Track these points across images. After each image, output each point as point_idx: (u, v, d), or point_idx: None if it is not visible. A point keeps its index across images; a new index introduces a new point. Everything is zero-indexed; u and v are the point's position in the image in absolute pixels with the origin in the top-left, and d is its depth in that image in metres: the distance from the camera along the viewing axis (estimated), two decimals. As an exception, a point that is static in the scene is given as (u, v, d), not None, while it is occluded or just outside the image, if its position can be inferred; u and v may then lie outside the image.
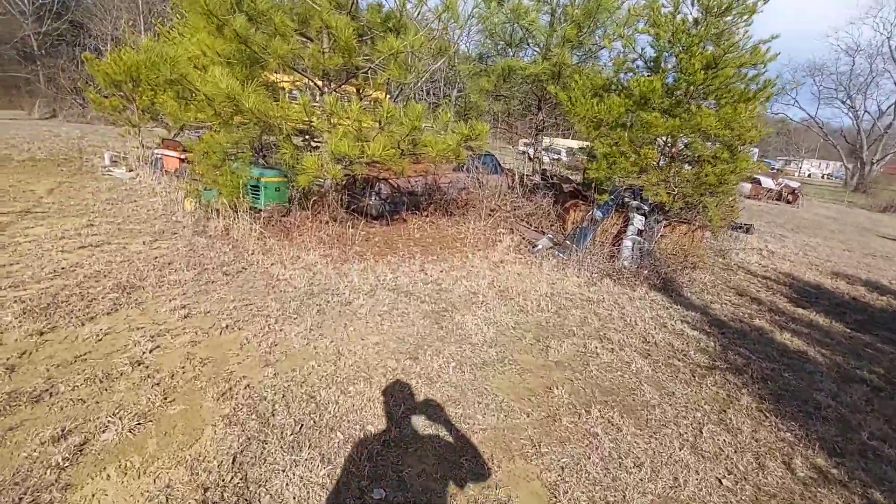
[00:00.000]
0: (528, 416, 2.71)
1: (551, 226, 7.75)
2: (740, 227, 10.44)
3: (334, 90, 6.04)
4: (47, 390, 2.35)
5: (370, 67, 5.92)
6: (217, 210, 5.95)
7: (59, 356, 2.69)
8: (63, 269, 3.97)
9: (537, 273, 5.51)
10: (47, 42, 25.07)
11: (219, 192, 5.59)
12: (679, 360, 3.77)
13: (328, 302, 3.90)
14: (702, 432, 2.83)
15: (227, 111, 4.92)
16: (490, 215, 7.59)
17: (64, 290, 3.51)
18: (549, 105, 8.95)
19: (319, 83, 5.99)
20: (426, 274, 4.90)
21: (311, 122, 5.14)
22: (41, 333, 2.91)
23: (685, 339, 4.23)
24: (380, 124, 5.01)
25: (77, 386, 2.42)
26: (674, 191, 6.31)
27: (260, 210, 6.03)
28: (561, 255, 6.17)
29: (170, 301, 3.58)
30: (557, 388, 3.06)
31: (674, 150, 6.90)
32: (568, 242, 6.44)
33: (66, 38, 25.81)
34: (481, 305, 4.31)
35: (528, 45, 8.67)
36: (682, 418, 2.94)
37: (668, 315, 4.78)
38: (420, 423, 2.51)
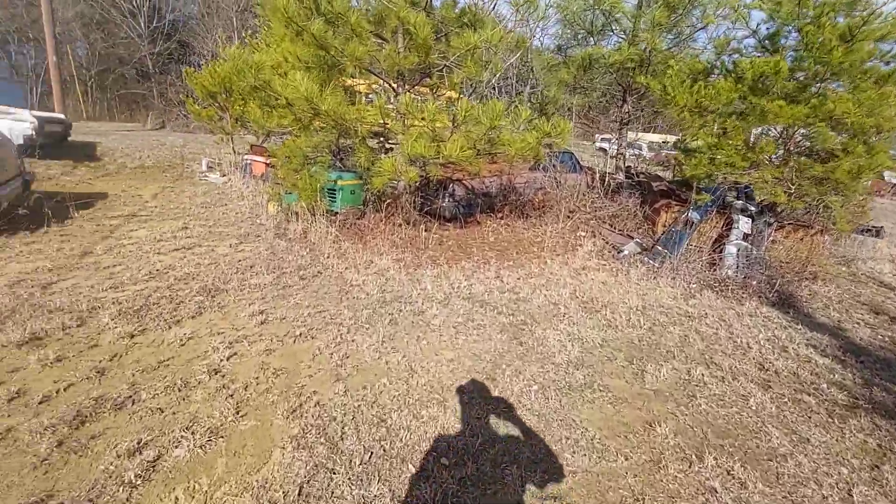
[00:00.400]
0: (626, 460, 2.32)
1: (638, 228, 7.07)
2: (868, 231, 8.91)
3: (408, 91, 5.93)
4: (130, 397, 2.39)
5: (445, 66, 5.72)
6: (296, 213, 6.10)
7: (144, 360, 2.76)
8: (157, 270, 4.20)
9: (625, 282, 4.98)
10: (160, 61, 28.07)
11: (298, 195, 5.71)
12: (809, 396, 3.13)
13: (401, 311, 3.74)
14: (851, 495, 2.25)
15: (306, 115, 4.97)
16: (569, 217, 7.09)
17: (156, 293, 3.68)
18: (635, 96, 8.21)
19: (394, 84, 5.91)
20: (502, 281, 4.59)
21: (386, 123, 5.04)
22: (132, 336, 3.02)
23: (814, 369, 3.53)
24: (454, 124, 4.79)
25: (157, 394, 2.44)
26: (792, 189, 5.42)
27: (336, 213, 6.08)
28: (651, 261, 5.55)
29: (249, 305, 3.61)
30: (660, 425, 2.61)
31: (790, 142, 5.95)
32: (659, 247, 5.79)
33: (174, 56, 28.74)
34: (563, 318, 3.92)
35: (611, 31, 8.00)
36: (824, 475, 2.37)
37: (788, 337, 4.06)
38: (499, 458, 2.23)
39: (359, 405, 2.51)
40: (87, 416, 2.21)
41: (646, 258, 5.65)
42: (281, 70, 5.43)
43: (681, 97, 5.24)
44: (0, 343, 2.79)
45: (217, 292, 3.82)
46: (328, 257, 4.92)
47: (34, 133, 8.12)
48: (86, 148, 10.36)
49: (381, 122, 5.07)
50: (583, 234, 6.61)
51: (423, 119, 4.76)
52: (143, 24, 26.65)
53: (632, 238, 6.39)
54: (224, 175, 10.14)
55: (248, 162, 10.00)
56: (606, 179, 8.05)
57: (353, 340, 3.22)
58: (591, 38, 7.13)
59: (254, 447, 2.12)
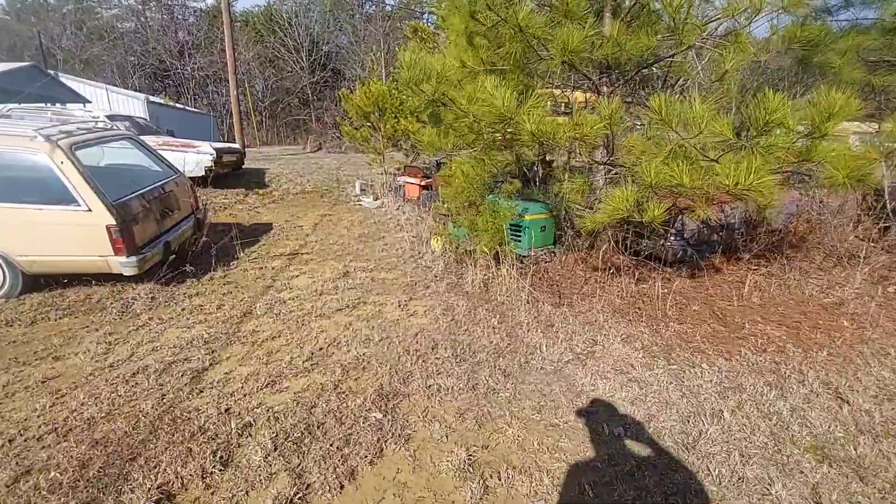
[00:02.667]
0: None
1: None
2: None
3: (615, 92, 4.28)
4: None
5: (676, 53, 3.94)
6: (468, 252, 4.87)
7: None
8: (321, 350, 3.22)
9: None
10: (317, 89, 30.74)
11: (478, 237, 4.44)
12: None
13: (701, 470, 2.10)
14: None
15: (496, 134, 3.68)
16: (855, 260, 4.68)
17: (320, 399, 2.62)
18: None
19: (604, 85, 4.31)
20: (841, 398, 2.64)
21: (613, 137, 3.47)
22: (290, 502, 1.92)
23: None
24: (739, 134, 2.99)
25: None
26: None
27: (523, 257, 4.69)
28: None
29: (446, 438, 2.33)
30: None
31: None
32: None
33: (329, 83, 31.25)
34: None
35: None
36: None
37: None
38: None
39: None
40: None
41: None
42: (455, 78, 4.25)
43: None
44: None
45: (398, 400, 2.64)
46: (528, 330, 3.51)
47: (213, 164, 8.40)
48: (256, 175, 10.80)
49: (606, 134, 3.51)
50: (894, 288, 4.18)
51: (675, 128, 3.07)
52: (304, 58, 29.40)
53: None
54: (377, 198, 9.63)
55: (401, 184, 9.31)
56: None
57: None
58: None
59: None
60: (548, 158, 4.70)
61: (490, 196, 4.51)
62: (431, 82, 3.80)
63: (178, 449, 2.22)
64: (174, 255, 4.77)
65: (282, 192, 9.72)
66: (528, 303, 3.94)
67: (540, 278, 4.42)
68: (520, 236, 4.70)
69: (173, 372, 2.92)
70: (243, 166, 10.64)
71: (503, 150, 4.15)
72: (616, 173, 3.96)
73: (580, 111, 3.20)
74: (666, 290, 4.02)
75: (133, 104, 18.05)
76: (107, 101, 18.22)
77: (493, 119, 3.45)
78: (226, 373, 2.92)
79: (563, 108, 4.45)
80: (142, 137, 5.98)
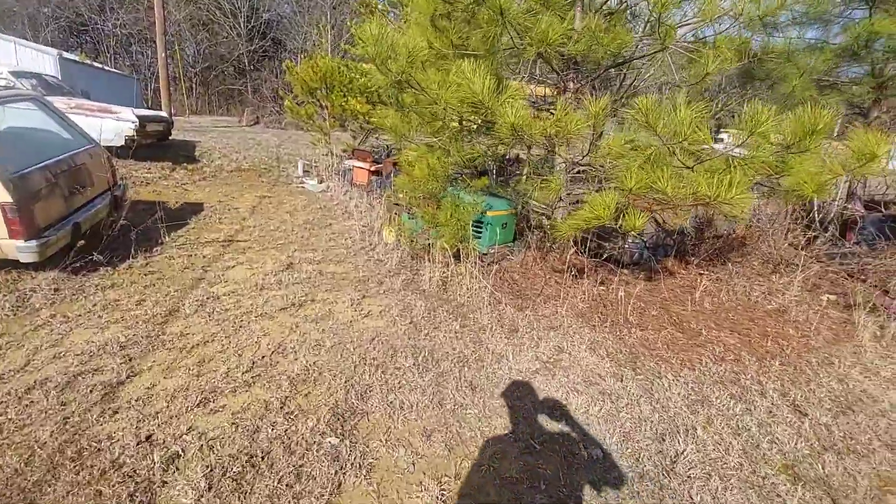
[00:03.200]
0: None
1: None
2: None
3: (581, 90, 4.16)
4: None
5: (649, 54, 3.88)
6: (426, 249, 4.59)
7: None
8: (263, 358, 2.81)
9: None
10: (254, 58, 28.55)
11: (436, 231, 4.17)
12: None
13: (685, 499, 2.01)
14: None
15: (469, 125, 3.41)
16: (785, 266, 4.98)
17: (264, 421, 2.25)
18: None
19: (572, 84, 4.17)
20: (800, 411, 2.70)
21: (596, 136, 3.31)
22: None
23: None
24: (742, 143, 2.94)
25: None
26: None
27: (482, 254, 4.49)
28: None
29: (413, 466, 2.07)
30: None
31: None
32: None
33: (269, 53, 29.13)
34: None
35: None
36: None
37: None
38: None
39: None
40: None
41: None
42: (421, 60, 3.91)
43: None
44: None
45: (355, 419, 2.33)
46: (492, 335, 3.32)
47: (135, 134, 7.38)
48: (185, 148, 9.72)
49: (589, 135, 3.34)
50: (831, 297, 4.48)
51: (661, 132, 2.97)
52: (241, 24, 27.13)
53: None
54: (322, 181, 9.03)
55: (349, 167, 8.77)
56: (834, 210, 5.74)
57: None
58: (866, 7, 4.83)
59: None
60: (514, 153, 4.51)
61: (450, 189, 4.25)
62: (399, 61, 3.43)
63: (85, 492, 1.78)
64: (85, 239, 4.07)
65: (214, 168, 8.83)
66: (490, 304, 3.75)
67: (501, 278, 4.26)
68: (480, 232, 4.49)
69: (80, 386, 2.40)
70: (170, 137, 9.53)
71: (471, 142, 3.89)
72: (584, 174, 3.84)
73: (566, 107, 2.98)
74: (626, 294, 4.01)
75: (44, 60, 15.59)
76: (14, 55, 15.65)
77: (468, 107, 3.17)
78: (147, 388, 2.45)
79: (536, 103, 4.25)
80: (50, 99, 5.05)
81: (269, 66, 27.74)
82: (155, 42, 12.81)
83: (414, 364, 2.86)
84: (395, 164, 8.08)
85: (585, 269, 4.43)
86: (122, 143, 7.33)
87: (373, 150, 10.22)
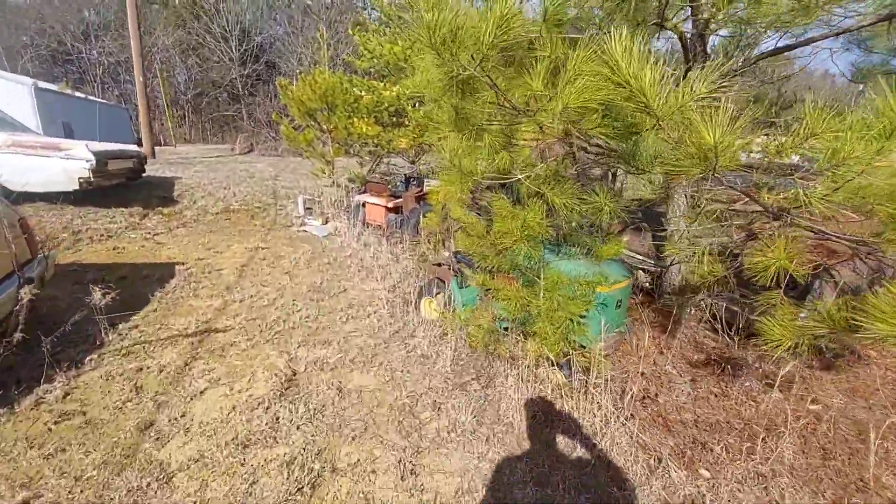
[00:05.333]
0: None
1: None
2: None
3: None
4: None
5: None
6: (490, 333, 3.00)
7: None
8: None
9: None
10: (248, 83, 27.39)
11: (523, 323, 2.60)
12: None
13: None
14: None
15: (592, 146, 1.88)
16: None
17: None
18: None
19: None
20: None
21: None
22: None
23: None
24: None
25: None
26: None
27: (585, 347, 2.91)
28: None
29: None
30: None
31: None
32: None
33: (263, 77, 28.00)
34: None
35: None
36: None
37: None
38: None
39: None
40: None
41: None
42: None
43: None
44: None
45: None
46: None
47: (91, 175, 5.88)
48: (162, 186, 8.21)
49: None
50: None
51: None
52: (233, 48, 26.06)
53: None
54: (326, 220, 7.51)
55: (361, 203, 7.21)
56: None
57: None
58: None
59: None
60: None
61: (546, 253, 2.71)
62: (467, 47, 1.90)
63: None
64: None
65: (196, 210, 7.30)
66: (644, 467, 2.16)
67: (631, 397, 2.66)
68: (584, 317, 2.92)
69: None
70: (144, 174, 8.03)
71: (583, 180, 2.35)
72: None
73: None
74: (822, 408, 2.42)
75: (15, 90, 14.19)
76: (-25, 85, 14.23)
77: (622, 100, 1.62)
78: None
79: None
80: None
81: (263, 90, 26.60)
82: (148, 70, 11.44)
83: None
84: (419, 198, 6.57)
85: (735, 359, 2.86)
86: (77, 186, 5.83)
87: (383, 178, 8.72)
